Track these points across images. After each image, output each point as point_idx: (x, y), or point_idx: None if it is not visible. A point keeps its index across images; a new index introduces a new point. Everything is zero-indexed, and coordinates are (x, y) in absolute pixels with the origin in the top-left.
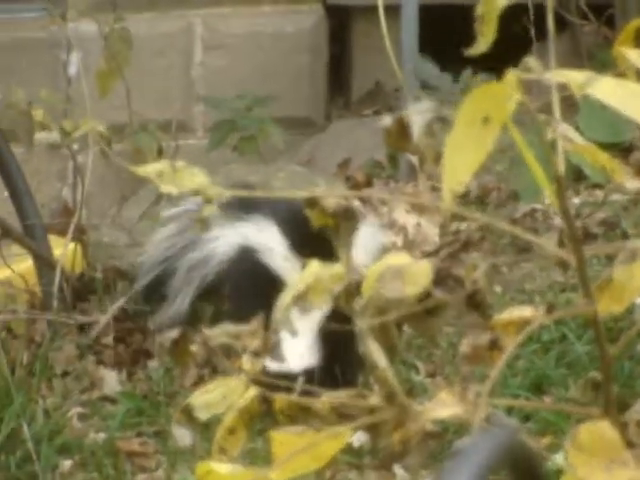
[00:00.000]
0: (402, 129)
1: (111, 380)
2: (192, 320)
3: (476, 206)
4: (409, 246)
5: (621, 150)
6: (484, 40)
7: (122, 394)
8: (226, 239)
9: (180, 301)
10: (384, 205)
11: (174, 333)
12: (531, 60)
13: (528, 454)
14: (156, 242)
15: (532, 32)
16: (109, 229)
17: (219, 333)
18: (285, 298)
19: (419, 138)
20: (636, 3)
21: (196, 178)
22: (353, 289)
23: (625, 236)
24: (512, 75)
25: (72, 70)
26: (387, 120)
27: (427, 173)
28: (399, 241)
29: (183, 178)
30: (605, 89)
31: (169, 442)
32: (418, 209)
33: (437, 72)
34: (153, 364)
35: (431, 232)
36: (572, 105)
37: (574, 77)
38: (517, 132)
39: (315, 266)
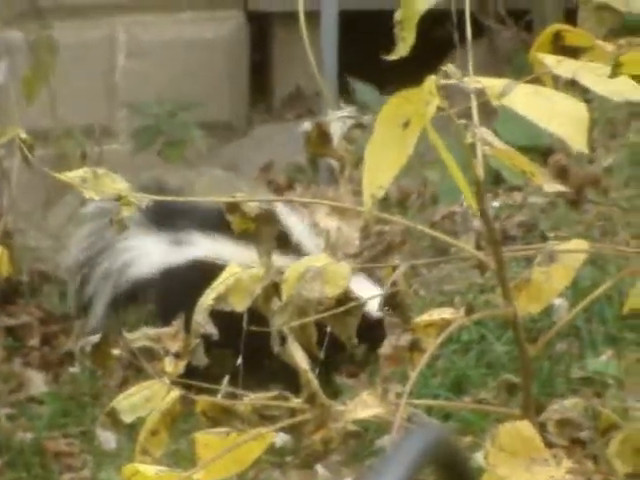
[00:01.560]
0: (322, 135)
1: (38, 381)
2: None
3: (396, 209)
4: (331, 249)
5: (540, 153)
6: (404, 45)
7: (48, 395)
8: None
9: (97, 307)
10: (305, 209)
11: (95, 337)
12: (450, 66)
13: (454, 451)
14: (75, 243)
15: (455, 36)
16: (35, 233)
17: (140, 336)
18: (205, 299)
19: (339, 144)
20: (553, 9)
21: (117, 184)
22: (272, 290)
23: (543, 238)
24: (431, 80)
25: None
26: (306, 126)
27: (347, 177)
28: (320, 244)
29: (104, 184)
30: (520, 98)
31: (95, 442)
32: (339, 212)
33: (377, 95)
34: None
35: (352, 235)
36: (491, 109)
37: (491, 84)
38: (436, 136)
39: (235, 268)
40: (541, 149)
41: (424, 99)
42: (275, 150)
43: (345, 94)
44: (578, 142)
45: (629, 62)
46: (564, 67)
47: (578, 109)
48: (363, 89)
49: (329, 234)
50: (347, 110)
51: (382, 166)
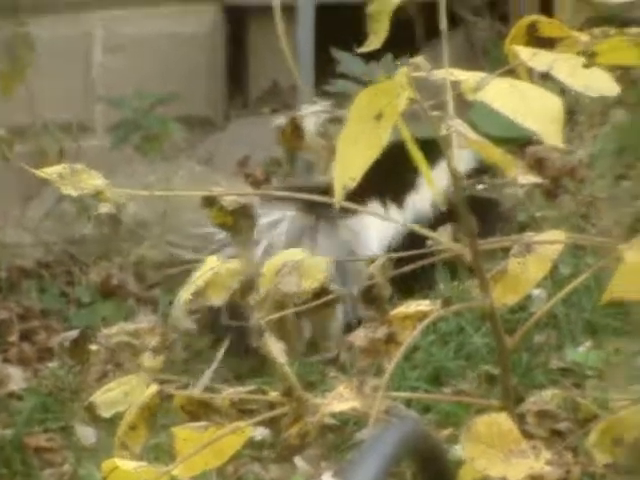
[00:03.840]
0: (296, 130)
1: (17, 377)
2: None
3: None
4: None
5: (519, 145)
6: (376, 38)
7: (28, 391)
8: None
9: None
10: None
11: (73, 333)
12: (420, 58)
13: (432, 444)
14: None
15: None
16: (13, 229)
17: (118, 331)
18: (183, 294)
19: (312, 138)
20: None
21: (94, 180)
22: (250, 284)
23: (521, 229)
24: (402, 72)
25: None
26: (281, 121)
27: (322, 170)
28: None
29: (82, 180)
30: (495, 92)
31: (74, 437)
32: None
33: (361, 64)
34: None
35: None
36: (466, 100)
37: (466, 78)
38: (406, 129)
39: (213, 262)
40: (519, 140)
41: (396, 91)
42: (252, 144)
43: (321, 86)
44: (553, 137)
45: (604, 52)
46: (539, 60)
47: (553, 104)
48: (348, 59)
49: None
50: (321, 104)
51: (354, 158)
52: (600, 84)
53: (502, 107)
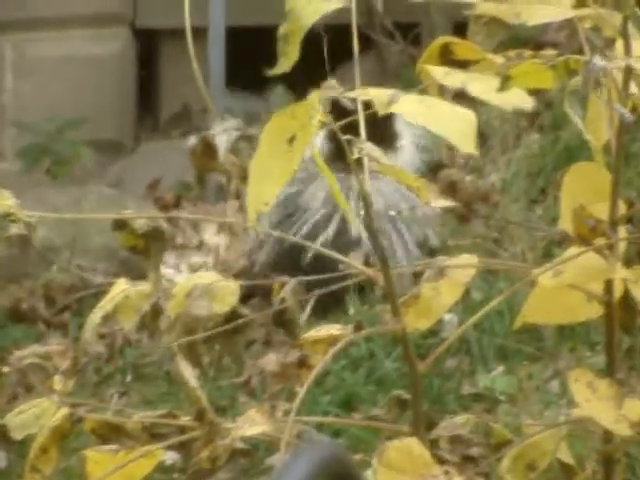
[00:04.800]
0: (207, 148)
1: None
2: None
3: None
4: (221, 266)
5: (430, 169)
6: (286, 60)
7: None
8: None
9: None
10: (194, 226)
11: None
12: (332, 81)
13: (346, 467)
14: None
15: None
16: None
17: (29, 353)
18: (93, 318)
19: (225, 157)
20: (442, 22)
21: (6, 201)
22: (160, 307)
23: (432, 253)
24: (315, 95)
25: None
26: (192, 140)
27: (234, 192)
28: (210, 261)
29: None
30: (407, 105)
31: None
32: (227, 229)
33: (248, 97)
34: None
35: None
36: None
37: (378, 95)
38: (319, 157)
39: (123, 284)
40: (430, 165)
41: (309, 114)
42: (162, 167)
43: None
44: (466, 145)
45: (518, 75)
46: (452, 78)
47: (465, 114)
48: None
49: (218, 251)
50: (232, 122)
51: (267, 182)
52: (514, 98)
53: (415, 118)
